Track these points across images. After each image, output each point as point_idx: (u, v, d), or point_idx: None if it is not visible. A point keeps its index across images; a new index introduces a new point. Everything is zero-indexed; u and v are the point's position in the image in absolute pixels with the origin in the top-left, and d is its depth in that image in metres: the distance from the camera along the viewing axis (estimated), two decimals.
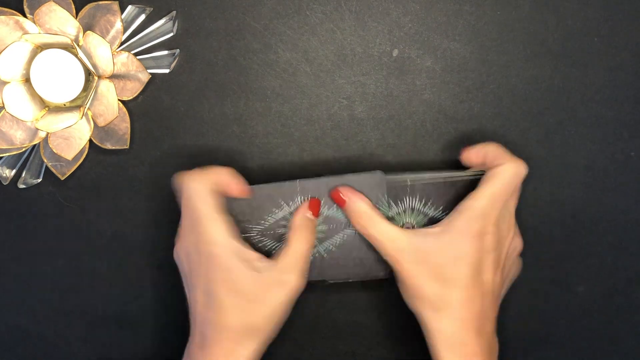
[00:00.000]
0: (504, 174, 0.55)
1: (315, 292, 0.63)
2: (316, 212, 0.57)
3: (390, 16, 0.61)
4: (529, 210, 0.63)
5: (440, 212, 0.58)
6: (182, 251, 0.55)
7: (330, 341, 0.65)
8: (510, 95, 0.62)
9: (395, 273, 0.55)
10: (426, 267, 0.53)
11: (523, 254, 0.64)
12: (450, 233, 0.54)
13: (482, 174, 0.56)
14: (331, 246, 0.58)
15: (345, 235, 0.58)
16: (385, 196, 0.57)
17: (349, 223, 0.57)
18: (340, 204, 0.57)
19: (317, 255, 0.58)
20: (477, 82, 0.62)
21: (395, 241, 0.54)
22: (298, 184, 0.57)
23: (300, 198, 0.57)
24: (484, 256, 0.54)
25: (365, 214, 0.56)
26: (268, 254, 0.56)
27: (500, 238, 0.55)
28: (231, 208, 0.57)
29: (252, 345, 0.53)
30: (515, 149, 0.62)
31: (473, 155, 0.58)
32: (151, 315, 0.65)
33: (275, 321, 0.53)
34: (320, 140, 0.63)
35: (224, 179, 0.55)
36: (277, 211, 0.57)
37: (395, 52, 0.62)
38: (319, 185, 0.57)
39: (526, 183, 0.63)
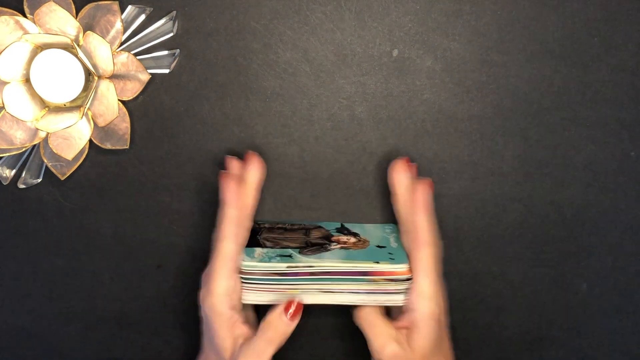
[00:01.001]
0: (423, 255, 0.57)
1: None
2: (294, 316, 0.57)
3: (390, 16, 0.61)
4: (529, 210, 0.63)
5: None
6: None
7: (330, 341, 0.65)
8: (510, 95, 0.62)
9: None
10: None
11: (524, 254, 0.64)
12: (418, 327, 0.56)
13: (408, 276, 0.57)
14: None
15: None
16: None
17: None
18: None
19: None
20: (477, 82, 0.62)
21: (386, 345, 0.56)
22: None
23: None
24: (445, 331, 0.58)
25: (369, 314, 0.58)
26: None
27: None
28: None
29: None
30: (515, 149, 0.63)
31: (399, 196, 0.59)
32: (151, 315, 0.65)
33: None
34: (320, 140, 0.63)
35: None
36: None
37: (395, 52, 0.62)
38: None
39: (526, 183, 0.63)
